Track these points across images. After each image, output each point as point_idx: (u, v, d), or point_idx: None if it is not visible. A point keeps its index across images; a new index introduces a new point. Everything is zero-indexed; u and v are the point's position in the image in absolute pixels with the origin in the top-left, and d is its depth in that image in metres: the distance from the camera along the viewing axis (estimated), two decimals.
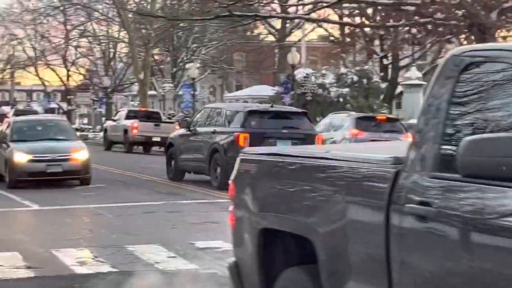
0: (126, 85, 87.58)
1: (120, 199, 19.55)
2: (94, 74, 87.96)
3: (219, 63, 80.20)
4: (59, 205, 18.53)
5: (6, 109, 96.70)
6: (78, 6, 75.44)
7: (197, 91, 64.47)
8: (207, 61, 77.78)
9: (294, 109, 25.69)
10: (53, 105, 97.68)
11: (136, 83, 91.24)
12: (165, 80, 73.23)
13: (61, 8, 76.81)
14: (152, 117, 44.59)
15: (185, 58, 74.56)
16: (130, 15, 63.68)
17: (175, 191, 21.49)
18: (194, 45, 74.83)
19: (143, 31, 64.54)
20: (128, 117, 43.87)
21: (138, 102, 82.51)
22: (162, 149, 42.35)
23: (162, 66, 76.81)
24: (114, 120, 45.24)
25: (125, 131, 42.23)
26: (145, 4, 70.16)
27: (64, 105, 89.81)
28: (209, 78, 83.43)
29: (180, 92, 78.48)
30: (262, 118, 21.91)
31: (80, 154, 22.39)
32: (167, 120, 45.79)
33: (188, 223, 15.45)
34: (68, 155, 22.15)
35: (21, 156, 21.85)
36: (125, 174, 26.64)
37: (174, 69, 73.14)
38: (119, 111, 48.67)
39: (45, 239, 13.60)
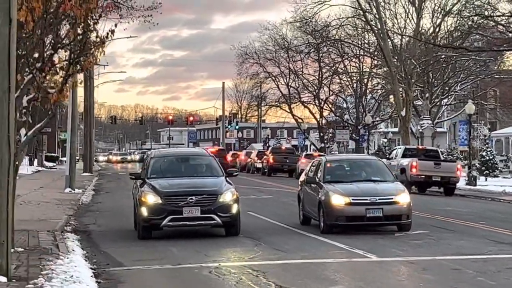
0: (377, 122, 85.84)
1: (459, 249, 17.20)
2: (344, 111, 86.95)
3: (475, 98, 76.61)
4: (397, 255, 16.45)
5: (257, 146, 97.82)
6: (329, 43, 74.53)
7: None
8: (461, 97, 74.68)
9: None
10: (300, 141, 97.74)
11: (385, 120, 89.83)
12: (424, 117, 70.41)
13: (315, 45, 76.21)
14: (430, 155, 42.08)
15: (440, 94, 71.78)
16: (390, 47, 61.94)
17: None
18: (450, 80, 71.89)
19: (399, 65, 62.47)
20: (405, 155, 41.64)
21: (386, 139, 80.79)
22: (442, 189, 39.82)
23: (419, 103, 74.14)
24: (389, 159, 43.07)
25: (402, 170, 39.93)
26: (403, 41, 68.17)
27: (316, 142, 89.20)
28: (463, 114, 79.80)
29: (440, 129, 75.68)
30: None
31: (401, 197, 20.26)
32: (448, 158, 43.03)
33: None
34: (390, 198, 20.06)
35: (339, 199, 20.00)
36: (437, 219, 24.28)
37: (430, 105, 70.59)
38: (395, 149, 46.52)
39: None
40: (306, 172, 23.60)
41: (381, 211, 19.89)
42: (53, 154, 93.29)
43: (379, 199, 19.98)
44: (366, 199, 19.97)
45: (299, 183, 23.94)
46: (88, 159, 62.41)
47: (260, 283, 13.26)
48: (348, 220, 19.98)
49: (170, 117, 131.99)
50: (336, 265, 15.48)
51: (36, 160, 73.74)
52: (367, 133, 72.89)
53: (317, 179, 21.48)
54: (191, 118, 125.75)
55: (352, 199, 19.97)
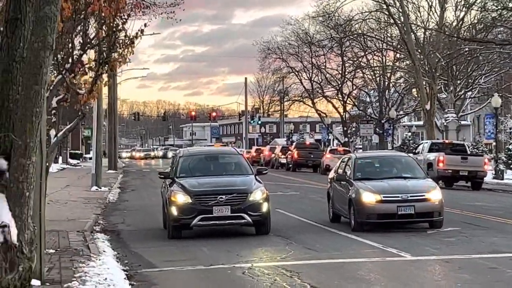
0: (401, 116, 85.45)
1: (494, 247, 16.98)
2: (367, 105, 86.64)
3: (500, 91, 76.05)
4: (431, 254, 16.25)
5: (280, 141, 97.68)
6: (352, 37, 74.15)
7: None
8: (485, 90, 74.16)
9: None
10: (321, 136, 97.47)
11: (409, 114, 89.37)
12: (448, 110, 69.96)
13: (338, 39, 75.91)
14: (457, 149, 41.75)
15: (464, 87, 71.30)
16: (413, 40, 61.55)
17: None
18: (474, 73, 71.36)
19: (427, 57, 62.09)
20: (431, 149, 41.33)
21: (410, 133, 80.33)
22: (469, 184, 39.51)
23: (443, 96, 73.68)
24: (415, 153, 42.75)
25: (429, 164, 39.64)
26: (427, 34, 67.74)
27: (340, 137, 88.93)
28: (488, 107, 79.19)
29: (464, 123, 75.15)
30: None
31: (433, 194, 20.03)
32: (475, 153, 42.69)
33: None
34: (421, 195, 19.83)
35: (370, 197, 19.80)
36: (467, 215, 24.03)
37: (454, 99, 70.16)
38: (421, 144, 46.20)
39: None
40: (335, 169, 23.41)
41: (413, 208, 19.67)
42: (77, 151, 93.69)
43: (411, 196, 19.76)
44: (398, 196, 19.75)
45: (328, 180, 23.76)
46: (113, 156, 62.48)
47: (295, 284, 13.11)
48: (379, 217, 19.78)
49: (193, 113, 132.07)
50: (370, 264, 15.30)
51: (60, 158, 74.02)
52: (391, 127, 72.49)
53: (347, 177, 21.28)
54: (214, 114, 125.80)
55: (383, 197, 19.76)
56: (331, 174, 23.66)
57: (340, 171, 22.46)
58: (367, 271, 14.58)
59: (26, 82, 6.06)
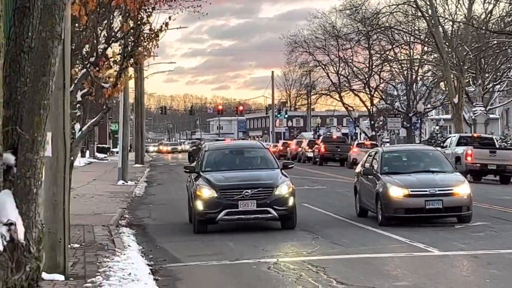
0: (428, 109, 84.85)
1: None
2: (395, 99, 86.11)
3: None
4: (459, 249, 16.01)
5: (307, 135, 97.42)
6: (379, 30, 73.64)
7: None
8: None
9: None
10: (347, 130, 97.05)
11: (436, 107, 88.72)
12: (476, 104, 69.32)
13: (365, 33, 75.47)
14: (485, 143, 41.31)
15: (492, 80, 70.64)
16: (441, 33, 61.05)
17: None
18: (502, 66, 70.68)
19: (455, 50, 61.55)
20: (459, 143, 40.93)
21: (438, 127, 79.73)
22: (498, 178, 39.10)
23: (471, 89, 73.05)
24: (443, 147, 42.37)
25: (457, 158, 39.25)
26: (455, 27, 67.14)
27: (368, 130, 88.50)
28: None
29: (492, 116, 74.46)
30: None
31: (461, 188, 19.77)
32: (503, 146, 42.22)
33: None
34: (450, 190, 19.57)
35: (397, 191, 19.57)
36: (496, 209, 23.72)
37: (482, 92, 69.53)
38: (449, 137, 45.80)
39: None
40: (362, 163, 23.19)
41: (441, 203, 19.42)
42: (104, 145, 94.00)
43: (439, 190, 19.51)
44: (425, 191, 19.51)
45: (355, 174, 23.55)
46: (140, 150, 62.57)
47: (321, 280, 12.94)
48: (407, 212, 19.55)
49: (220, 107, 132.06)
50: (397, 259, 15.09)
51: (88, 152, 74.27)
52: (419, 121, 71.96)
53: (374, 171, 21.06)
54: (241, 108, 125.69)
55: (411, 191, 19.53)
56: (358, 168, 23.45)
57: (367, 165, 22.24)
58: (394, 266, 14.38)
59: (34, 73, 5.91)
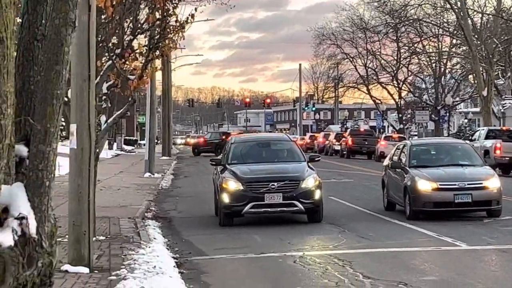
0: (457, 102, 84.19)
1: None
2: (423, 91, 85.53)
3: None
4: (488, 243, 15.79)
5: (334, 128, 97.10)
6: (408, 23, 73.10)
7: None
8: None
9: None
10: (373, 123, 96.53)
11: (465, 100, 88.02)
12: (505, 97, 68.65)
13: (393, 25, 74.98)
14: None
15: None
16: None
17: None
18: None
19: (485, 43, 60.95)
20: (488, 136, 40.52)
21: (466, 120, 79.12)
22: None
23: (500, 82, 72.35)
24: (471, 140, 41.96)
25: (486, 152, 38.85)
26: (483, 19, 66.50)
27: (395, 124, 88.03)
28: None
29: None
30: None
31: (491, 181, 19.52)
32: None
33: None
34: (479, 183, 19.32)
35: (425, 184, 19.35)
36: None
37: (511, 85, 68.85)
38: (477, 130, 45.38)
39: None
40: (390, 156, 22.97)
41: (470, 197, 19.17)
42: (131, 138, 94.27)
43: (468, 184, 19.26)
44: (454, 184, 19.28)
45: (383, 167, 23.33)
46: (167, 142, 62.64)
47: (347, 274, 12.80)
48: (435, 206, 19.32)
49: (247, 99, 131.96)
50: (425, 254, 14.93)
51: (115, 144, 74.50)
52: (447, 114, 71.40)
53: (402, 164, 20.85)
54: (268, 100, 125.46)
55: (440, 184, 19.30)
56: (386, 161, 23.23)
57: (395, 158, 22.02)
58: (422, 260, 14.22)
59: (47, 62, 5.78)
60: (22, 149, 5.58)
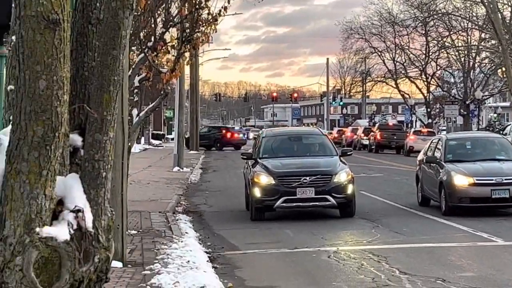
0: (486, 97, 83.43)
1: None
2: (452, 86, 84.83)
3: None
4: None
5: (362, 122, 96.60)
6: (437, 16, 72.51)
7: None
8: None
9: None
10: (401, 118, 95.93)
11: (494, 95, 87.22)
12: None
13: (422, 19, 74.42)
14: None
15: None
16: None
17: None
18: None
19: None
20: None
21: (496, 114, 78.36)
22: None
23: None
24: (505, 134, 41.53)
25: None
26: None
27: (424, 118, 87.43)
28: None
29: None
30: None
31: None
32: None
33: None
34: None
35: (462, 179, 19.04)
36: None
37: None
38: (508, 125, 44.92)
39: None
40: (424, 151, 22.65)
41: (508, 192, 18.80)
42: (159, 132, 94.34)
43: (506, 179, 18.90)
44: (492, 179, 18.94)
45: (417, 162, 23.00)
46: (195, 136, 62.57)
47: (383, 269, 12.59)
48: (472, 201, 18.97)
49: (274, 94, 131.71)
50: (461, 249, 14.68)
51: (143, 138, 74.57)
52: (477, 109, 70.73)
53: (437, 159, 20.53)
54: (295, 95, 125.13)
55: (476, 179, 18.97)
56: (420, 156, 22.89)
57: (429, 153, 21.70)
58: (458, 256, 13.98)
59: (103, 47, 5.60)
60: (76, 139, 5.42)
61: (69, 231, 5.06)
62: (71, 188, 5.22)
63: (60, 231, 5.00)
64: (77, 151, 5.52)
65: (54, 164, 5.19)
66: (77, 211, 5.10)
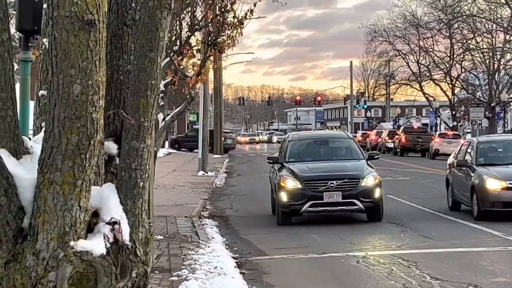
0: (511, 99, 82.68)
1: None
2: (476, 88, 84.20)
3: None
4: None
5: (386, 125, 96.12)
6: (461, 19, 72.04)
7: None
8: None
9: None
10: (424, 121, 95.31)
11: None
12: None
13: (446, 21, 73.96)
14: None
15: None
16: None
17: None
18: None
19: None
20: None
21: None
22: None
23: None
24: None
25: None
26: None
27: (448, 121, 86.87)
28: None
29: None
30: None
31: None
32: None
33: None
34: None
35: (494, 183, 18.72)
36: None
37: None
38: None
39: None
40: (454, 154, 22.33)
41: None
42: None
43: None
44: None
45: (447, 166, 22.66)
46: (219, 140, 62.49)
47: (413, 275, 12.39)
48: (505, 206, 18.55)
49: (298, 97, 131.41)
50: (492, 254, 14.44)
51: (167, 142, 74.56)
52: (502, 111, 70.09)
53: (468, 162, 20.22)
54: (319, 98, 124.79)
55: (509, 183, 18.58)
56: (450, 160, 22.57)
57: (460, 156, 21.38)
58: (490, 261, 13.73)
59: (140, 49, 5.38)
60: (111, 146, 5.23)
61: (105, 244, 4.84)
62: (107, 199, 5.01)
63: (96, 245, 4.78)
64: (113, 160, 5.32)
65: (89, 174, 4.97)
66: (113, 223, 4.89)
